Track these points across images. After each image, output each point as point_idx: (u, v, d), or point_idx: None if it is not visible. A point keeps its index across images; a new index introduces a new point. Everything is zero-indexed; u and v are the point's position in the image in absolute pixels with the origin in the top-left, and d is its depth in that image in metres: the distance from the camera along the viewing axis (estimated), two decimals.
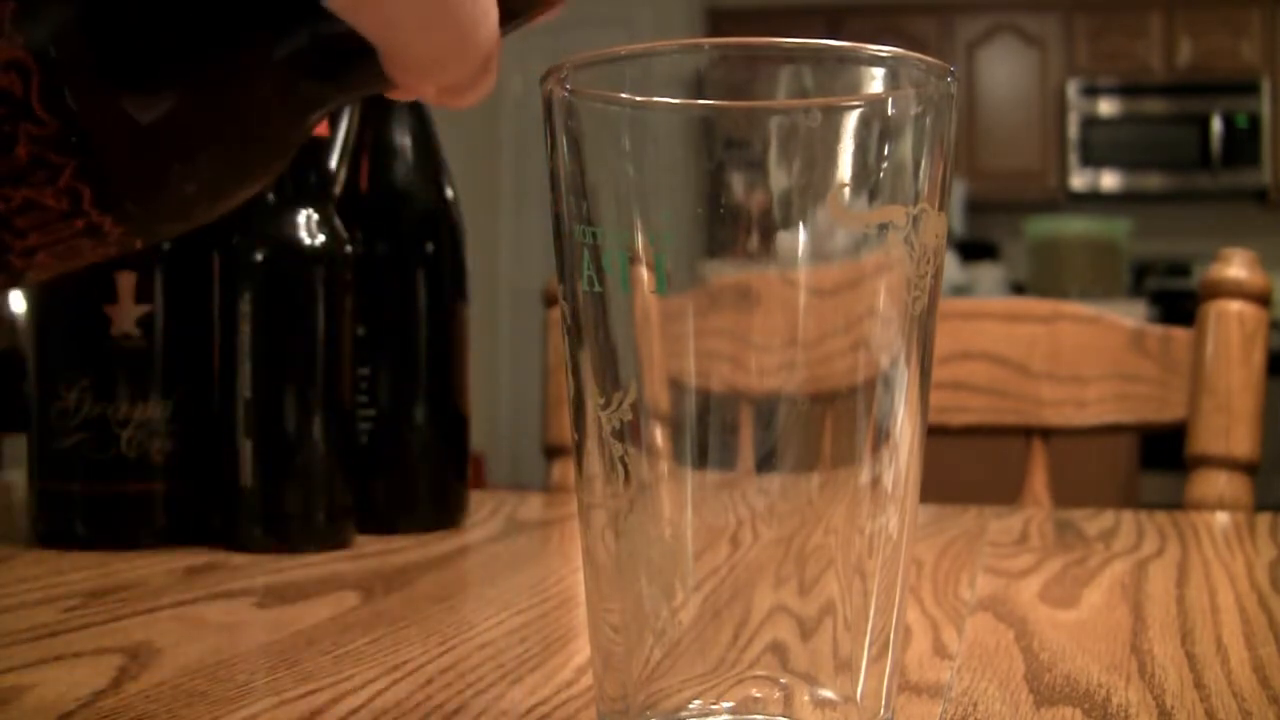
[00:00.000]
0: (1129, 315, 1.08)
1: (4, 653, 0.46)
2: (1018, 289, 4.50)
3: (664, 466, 0.33)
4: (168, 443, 0.68)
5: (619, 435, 0.33)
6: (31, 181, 0.25)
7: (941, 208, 0.33)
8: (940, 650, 0.47)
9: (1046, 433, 1.01)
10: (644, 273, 0.32)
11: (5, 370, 1.27)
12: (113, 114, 0.26)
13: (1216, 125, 4.80)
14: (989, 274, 4.40)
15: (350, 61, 0.28)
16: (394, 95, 0.32)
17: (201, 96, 0.27)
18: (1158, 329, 1.01)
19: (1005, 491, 1.06)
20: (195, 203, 0.28)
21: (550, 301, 1.09)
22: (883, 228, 0.32)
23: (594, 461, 0.34)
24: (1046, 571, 0.63)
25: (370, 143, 0.76)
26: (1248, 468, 0.93)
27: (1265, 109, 4.78)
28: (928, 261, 0.33)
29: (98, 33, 0.25)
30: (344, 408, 0.69)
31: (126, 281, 0.67)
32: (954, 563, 0.65)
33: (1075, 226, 4.51)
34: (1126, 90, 4.88)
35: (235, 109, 0.28)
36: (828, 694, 0.33)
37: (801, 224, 0.32)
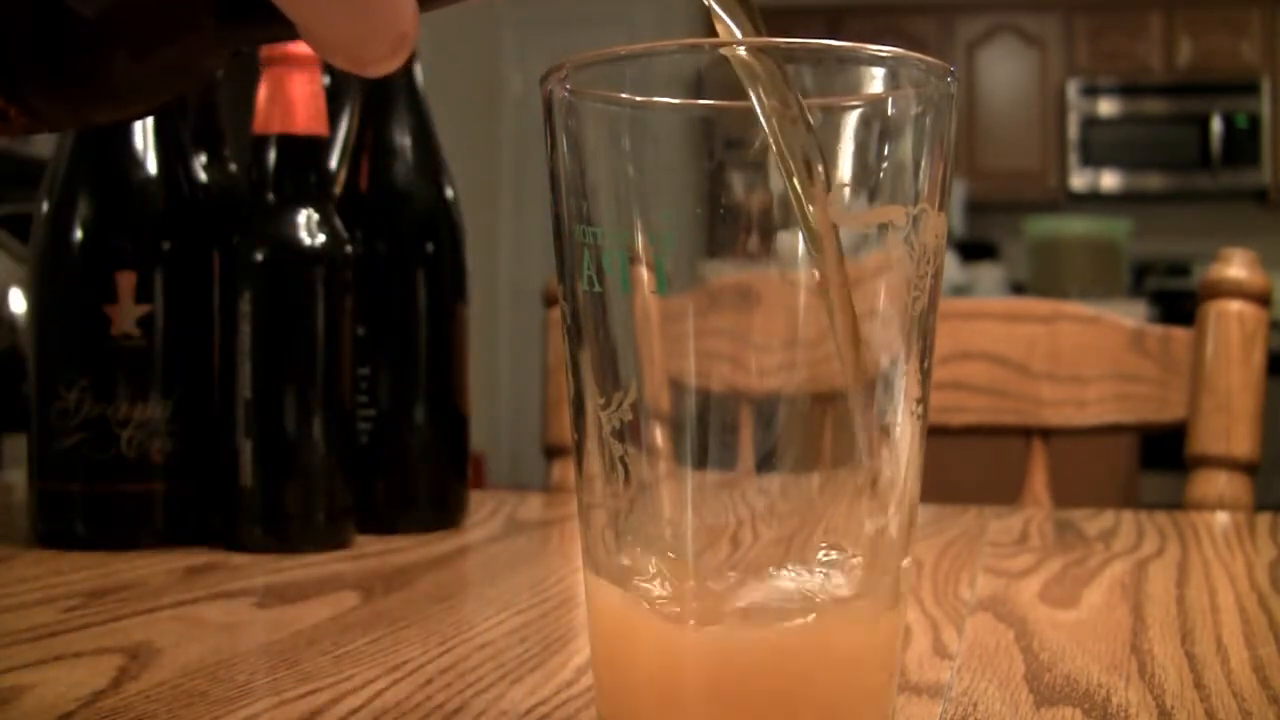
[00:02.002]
0: (1129, 315, 1.08)
1: (4, 653, 0.46)
2: (1018, 289, 4.49)
3: (664, 466, 0.33)
4: (168, 443, 0.68)
5: (619, 435, 0.33)
6: None
7: (941, 208, 0.33)
8: (940, 650, 0.47)
9: (1046, 433, 1.01)
10: (644, 273, 0.32)
11: (5, 370, 1.26)
12: (27, 16, 0.27)
13: (1216, 125, 4.80)
14: (989, 274, 4.39)
15: (264, 13, 0.29)
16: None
17: (114, 10, 0.28)
18: (1158, 329, 1.01)
19: (1005, 491, 1.06)
20: (98, 106, 0.30)
21: (550, 301, 1.09)
22: (883, 228, 0.32)
23: (594, 461, 0.34)
24: (1046, 571, 0.63)
25: (370, 143, 0.76)
26: (1248, 468, 0.93)
27: (1265, 109, 4.78)
28: (928, 261, 0.33)
29: None
30: (344, 408, 0.69)
31: (126, 281, 0.67)
32: (954, 563, 0.65)
33: (1075, 226, 4.51)
34: (1126, 90, 4.88)
35: (145, 27, 0.28)
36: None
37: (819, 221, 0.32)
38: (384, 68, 0.31)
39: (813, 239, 0.31)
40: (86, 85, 0.28)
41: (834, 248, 0.31)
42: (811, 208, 0.31)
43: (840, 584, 0.33)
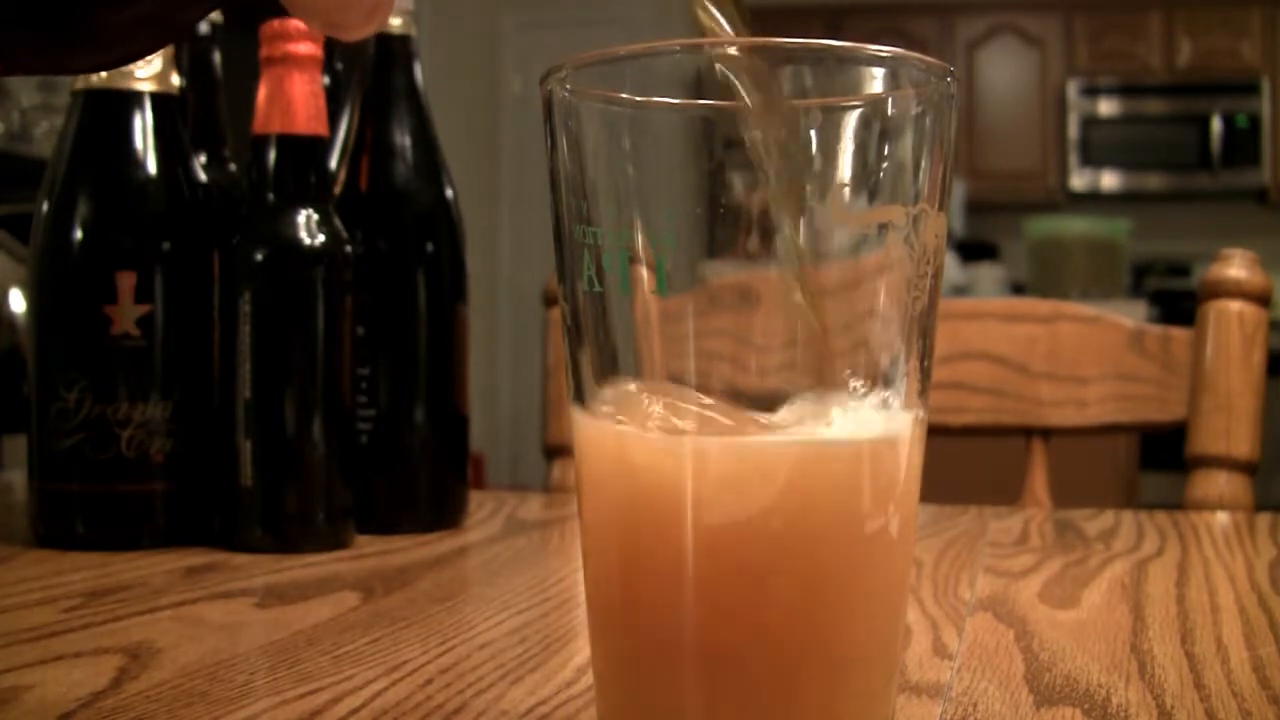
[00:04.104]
0: (1129, 315, 1.08)
1: (4, 653, 0.46)
2: (1018, 289, 4.49)
3: None
4: (168, 443, 0.68)
5: None
6: None
7: (941, 208, 0.33)
8: (940, 650, 0.47)
9: (1046, 433, 1.01)
10: (644, 273, 0.32)
11: (5, 370, 1.26)
12: None
13: (1216, 125, 4.80)
14: (989, 274, 4.39)
15: None
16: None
17: None
18: (1158, 329, 1.01)
19: (1005, 491, 1.06)
20: (75, 53, 0.30)
21: (550, 301, 1.09)
22: (883, 228, 0.32)
23: None
24: (1046, 571, 0.63)
25: (370, 143, 0.76)
26: (1248, 468, 0.93)
27: (1265, 109, 4.78)
28: (928, 261, 0.33)
29: None
30: (344, 408, 0.69)
31: (126, 281, 0.67)
32: (954, 563, 0.65)
33: (1075, 226, 4.51)
34: (1126, 90, 4.88)
35: None
36: None
37: (802, 224, 0.32)
38: (359, 33, 0.32)
39: (791, 242, 0.31)
40: (64, 31, 0.28)
41: (809, 254, 0.32)
42: (789, 217, 0.31)
43: (854, 407, 0.32)
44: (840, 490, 0.32)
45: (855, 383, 0.32)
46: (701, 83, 0.32)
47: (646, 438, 0.32)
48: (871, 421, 0.32)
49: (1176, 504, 0.93)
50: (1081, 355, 1.00)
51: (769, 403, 0.32)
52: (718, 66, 0.32)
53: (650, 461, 0.32)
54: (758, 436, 0.32)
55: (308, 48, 0.68)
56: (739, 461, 0.32)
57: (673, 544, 0.32)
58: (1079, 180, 4.93)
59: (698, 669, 0.32)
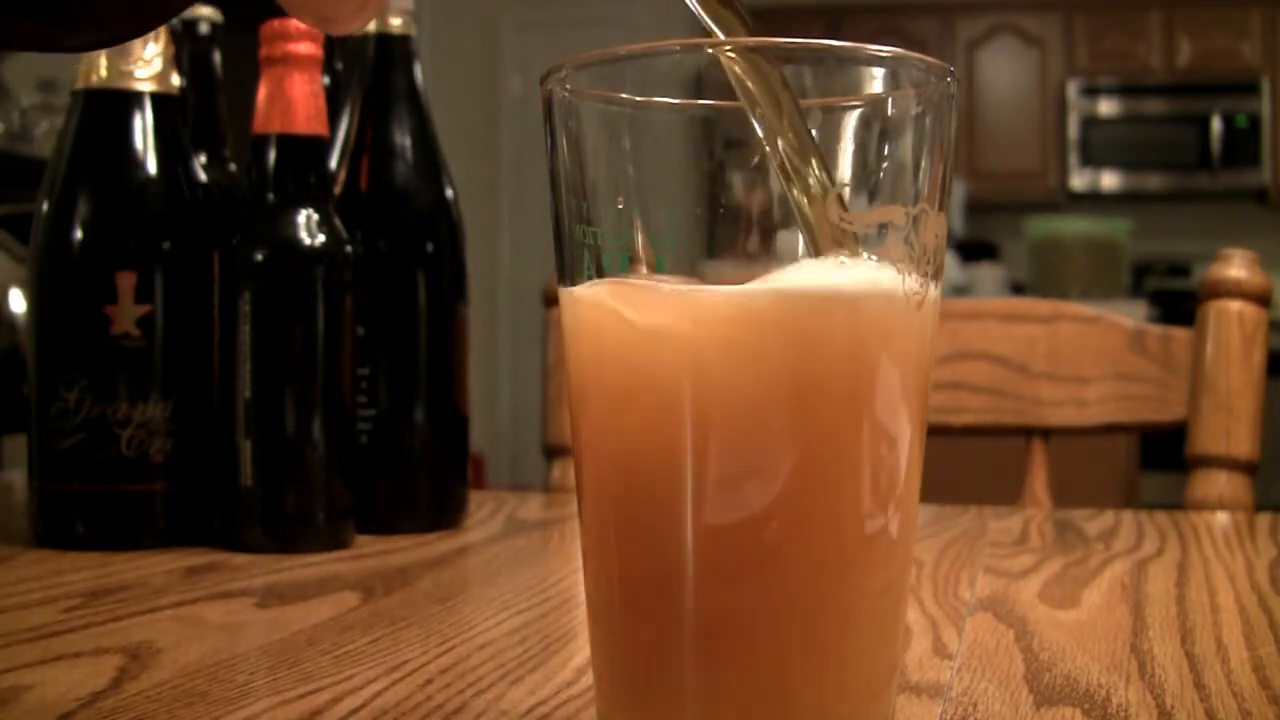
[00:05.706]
0: (1129, 315, 1.08)
1: (4, 653, 0.46)
2: (1018, 289, 4.49)
3: None
4: (168, 443, 0.68)
5: None
6: None
7: (941, 208, 0.33)
8: (940, 650, 0.47)
9: (1046, 433, 1.01)
10: (644, 273, 0.32)
11: (5, 370, 1.26)
12: None
13: (1216, 125, 4.80)
14: (989, 274, 4.39)
15: None
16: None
17: None
18: (1158, 329, 1.00)
19: (1005, 491, 1.06)
20: (66, 30, 0.30)
21: (550, 301, 1.09)
22: (883, 228, 0.32)
23: None
24: (1046, 571, 0.63)
25: (370, 143, 0.76)
26: (1248, 468, 0.93)
27: (1265, 109, 4.78)
28: (928, 261, 0.33)
29: None
30: (344, 408, 0.69)
31: (126, 281, 0.67)
32: (954, 563, 0.65)
33: (1075, 226, 4.50)
34: (1126, 90, 4.88)
35: None
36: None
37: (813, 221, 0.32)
38: (349, 27, 0.32)
39: (817, 242, 0.31)
40: (58, 10, 0.28)
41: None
42: (812, 210, 0.31)
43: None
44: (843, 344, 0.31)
45: None
46: (701, 83, 0.32)
47: (648, 293, 0.31)
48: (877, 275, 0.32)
49: (1176, 504, 0.93)
50: (1081, 355, 1.00)
51: None
52: (723, 59, 0.32)
53: (647, 326, 0.32)
54: (757, 285, 0.31)
55: (308, 48, 0.68)
56: (739, 312, 0.31)
57: (673, 426, 0.31)
58: (1079, 180, 4.93)
59: (696, 665, 0.32)
